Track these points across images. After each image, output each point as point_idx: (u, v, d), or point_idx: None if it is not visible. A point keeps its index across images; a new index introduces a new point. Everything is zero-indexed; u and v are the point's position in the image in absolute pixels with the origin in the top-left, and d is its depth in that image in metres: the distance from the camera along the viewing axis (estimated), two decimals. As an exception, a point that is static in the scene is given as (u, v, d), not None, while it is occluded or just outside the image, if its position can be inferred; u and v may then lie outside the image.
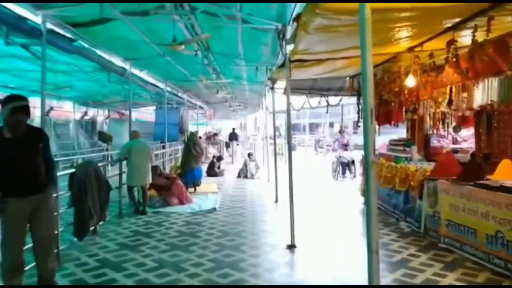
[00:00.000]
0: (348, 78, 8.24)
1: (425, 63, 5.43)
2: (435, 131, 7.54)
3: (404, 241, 5.76)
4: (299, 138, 32.78)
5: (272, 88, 8.89)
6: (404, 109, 7.17)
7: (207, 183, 11.69)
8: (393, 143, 8.51)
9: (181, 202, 8.35)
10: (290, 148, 5.93)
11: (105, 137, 17.61)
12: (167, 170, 11.74)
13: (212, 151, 20.20)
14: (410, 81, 5.46)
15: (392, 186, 7.07)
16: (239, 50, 7.73)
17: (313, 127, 45.95)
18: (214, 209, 7.86)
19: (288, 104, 5.73)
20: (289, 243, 5.50)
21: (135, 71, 9.67)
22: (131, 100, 13.50)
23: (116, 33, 6.30)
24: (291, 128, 6.09)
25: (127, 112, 25.39)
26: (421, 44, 5.09)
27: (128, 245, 5.58)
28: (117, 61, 8.39)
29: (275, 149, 9.66)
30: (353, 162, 12.92)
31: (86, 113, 19.22)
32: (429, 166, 6.59)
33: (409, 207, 6.58)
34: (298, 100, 9.98)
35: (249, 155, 13.66)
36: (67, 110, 18.40)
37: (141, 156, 7.36)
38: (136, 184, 7.51)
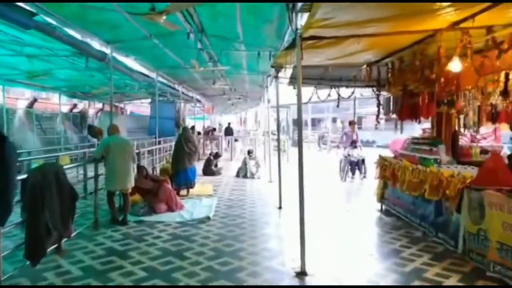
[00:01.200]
0: (365, 66, 7.05)
1: (477, 41, 4.24)
2: (472, 129, 6.36)
3: (441, 265, 4.62)
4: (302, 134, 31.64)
5: (276, 77, 7.72)
6: (436, 102, 5.97)
7: (202, 184, 10.55)
8: (416, 142, 7.34)
9: (170, 209, 7.20)
10: (301, 149, 4.73)
11: (95, 132, 16.42)
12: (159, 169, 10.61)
13: (213, 147, 19.09)
14: (455, 66, 4.27)
15: (420, 194, 5.92)
16: (238, 30, 6.54)
17: (315, 122, 44.67)
18: (208, 218, 6.71)
19: (299, 91, 4.58)
20: (299, 269, 4.35)
21: (120, 58, 8.50)
22: (114, 90, 12.37)
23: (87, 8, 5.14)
24: (301, 123, 4.92)
25: (122, 105, 24.30)
26: (472, 16, 3.90)
27: (96, 269, 4.44)
28: (96, 44, 7.22)
29: (278, 147, 8.51)
30: (363, 161, 11.77)
31: (75, 106, 18.05)
32: (467, 171, 5.43)
33: (442, 221, 5.43)
34: (305, 92, 8.80)
35: (249, 152, 12.50)
36: (55, 103, 17.22)
37: (120, 155, 6.19)
38: (115, 188, 6.33)
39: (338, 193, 9.85)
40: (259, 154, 17.33)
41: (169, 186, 7.40)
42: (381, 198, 7.56)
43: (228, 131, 21.93)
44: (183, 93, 16.28)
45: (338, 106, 9.52)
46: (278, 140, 8.36)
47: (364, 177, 11.61)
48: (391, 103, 7.38)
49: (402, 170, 6.55)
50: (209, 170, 12.28)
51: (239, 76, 12.34)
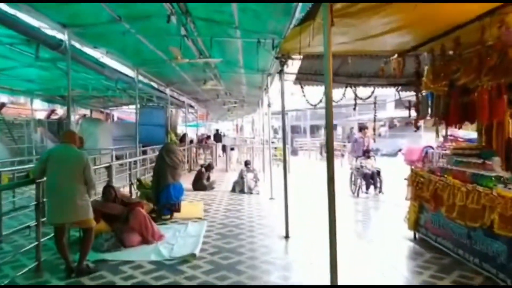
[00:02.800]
0: (395, 56, 5.48)
1: None
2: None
3: None
4: (301, 142, 29.95)
5: (281, 72, 6.12)
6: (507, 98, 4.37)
7: (191, 202, 8.91)
8: (459, 153, 5.73)
9: (145, 240, 5.56)
10: (332, 160, 3.17)
11: (74, 140, 14.76)
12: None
13: (207, 157, 17.46)
14: None
15: (481, 225, 4.32)
16: (232, 9, 4.98)
17: (314, 130, 43.16)
18: (193, 255, 5.06)
19: (328, 75, 3.06)
20: None
21: (86, 49, 6.89)
22: (94, 94, 10.81)
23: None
24: (331, 126, 3.34)
25: (108, 111, 22.66)
26: None
27: None
28: (51, 29, 5.60)
29: (284, 157, 6.87)
30: (378, 173, 10.18)
31: (53, 112, 16.39)
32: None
33: (522, 266, 3.84)
34: (314, 92, 7.24)
35: (247, 164, 10.87)
36: (29, 108, 15.53)
37: (63, 172, 4.36)
38: (55, 221, 4.43)
39: (353, 213, 8.23)
40: (257, 165, 15.75)
41: (142, 210, 5.74)
42: (415, 224, 5.94)
43: (217, 138, 20.40)
44: (172, 97, 14.70)
45: (355, 109, 7.93)
46: (284, 149, 6.73)
47: (380, 191, 10.01)
48: (429, 104, 5.78)
49: (450, 190, 4.94)
50: (200, 184, 10.64)
51: (234, 76, 10.77)
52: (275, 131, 41.84)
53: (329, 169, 3.10)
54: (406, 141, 26.58)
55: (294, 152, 25.32)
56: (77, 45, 6.88)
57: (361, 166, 10.28)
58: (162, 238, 5.77)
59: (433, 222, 5.46)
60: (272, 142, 26.09)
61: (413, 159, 12.35)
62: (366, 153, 10.53)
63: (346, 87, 7.12)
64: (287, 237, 6.06)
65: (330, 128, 3.14)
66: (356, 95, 7.25)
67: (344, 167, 17.91)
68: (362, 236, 6.39)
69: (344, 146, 22.16)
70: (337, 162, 19.76)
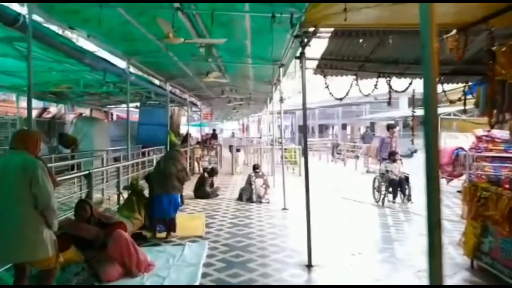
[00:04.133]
0: (453, 32, 4.17)
1: None
2: None
3: None
4: (310, 142, 28.55)
5: (301, 57, 4.82)
6: None
7: (190, 214, 7.66)
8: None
9: (127, 272, 4.31)
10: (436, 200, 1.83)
11: (67, 141, 13.59)
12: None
13: (211, 158, 16.19)
14: None
15: None
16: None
17: (322, 129, 41.76)
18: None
19: (430, 42, 1.72)
20: None
21: (69, 33, 5.65)
22: (83, 90, 9.62)
23: None
24: (437, 133, 2.01)
25: (106, 109, 21.47)
26: None
27: None
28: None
29: (306, 159, 5.56)
30: (407, 179, 8.84)
31: (44, 110, 15.21)
32: None
33: None
34: (340, 83, 5.97)
35: (255, 168, 9.56)
36: (22, 106, 14.36)
37: (3, 193, 3.10)
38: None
39: (383, 228, 6.91)
40: (265, 168, 14.45)
41: (125, 234, 4.46)
42: (475, 251, 4.62)
43: (213, 137, 19.29)
44: (173, 93, 13.48)
45: (389, 103, 6.61)
46: (305, 151, 5.42)
47: (409, 200, 8.67)
48: (498, 97, 4.44)
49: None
50: (202, 191, 9.37)
51: (240, 69, 9.50)
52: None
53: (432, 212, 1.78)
54: (422, 142, 25.02)
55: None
56: (54, 28, 5.67)
57: (387, 171, 8.96)
58: (150, 268, 4.51)
59: (505, 251, 4.14)
60: (280, 143, 24.89)
61: (441, 162, 10.97)
62: (392, 156, 9.20)
63: (379, 76, 5.80)
64: (310, 266, 4.75)
65: (433, 140, 1.86)
66: (390, 87, 5.92)
67: (359, 169, 16.59)
68: (403, 261, 5.08)
69: (356, 147, 20.80)
70: (351, 164, 18.48)
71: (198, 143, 18.97)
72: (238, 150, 15.02)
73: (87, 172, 5.54)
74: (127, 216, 5.92)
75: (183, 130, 21.60)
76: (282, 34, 5.79)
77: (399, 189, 8.70)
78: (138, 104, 18.60)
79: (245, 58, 8.07)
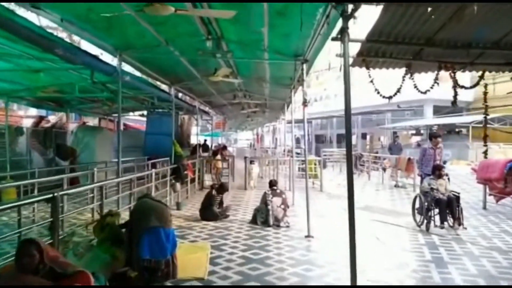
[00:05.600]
0: None
1: None
2: None
3: None
4: (328, 152, 26.82)
5: (342, 35, 3.39)
6: None
7: (193, 244, 6.22)
8: None
9: None
10: None
11: (65, 152, 12.41)
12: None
13: (223, 171, 14.77)
14: None
15: None
16: None
17: (340, 139, 39.99)
18: None
19: None
20: None
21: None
22: (78, 95, 8.50)
23: None
24: None
25: (124, 120, 20.38)
26: None
27: None
28: None
29: (350, 172, 4.06)
30: (457, 199, 7.27)
31: (42, 119, 14.08)
32: None
33: None
34: (390, 76, 4.53)
35: (272, 185, 8.08)
36: (19, 115, 13.31)
37: None
38: None
39: (441, 267, 5.34)
40: (281, 182, 12.96)
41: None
42: None
43: (204, 149, 17.96)
44: (180, 99, 12.21)
45: (454, 104, 5.09)
46: (349, 162, 3.91)
47: (460, 224, 7.08)
48: None
49: None
50: (209, 212, 7.94)
51: (255, 67, 8.12)
52: (297, 141, 38.99)
53: None
54: (450, 152, 23.36)
55: (323, 164, 22.34)
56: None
57: (431, 189, 7.40)
58: None
59: None
60: (298, 153, 23.26)
61: (490, 177, 9.34)
62: (437, 171, 7.64)
63: (440, 68, 4.32)
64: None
65: None
66: (456, 82, 4.44)
67: (386, 183, 14.95)
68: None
69: (377, 157, 19.12)
70: (376, 177, 16.84)
71: (214, 153, 17.65)
72: (252, 162, 13.59)
73: (50, 195, 4.19)
74: (106, 252, 4.56)
75: (195, 140, 20.35)
76: (308, 18, 4.41)
77: (447, 211, 7.13)
78: (144, 112, 17.47)
79: (261, 52, 6.69)
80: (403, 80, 4.42)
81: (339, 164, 22.10)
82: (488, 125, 23.22)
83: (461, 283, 4.70)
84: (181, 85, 9.88)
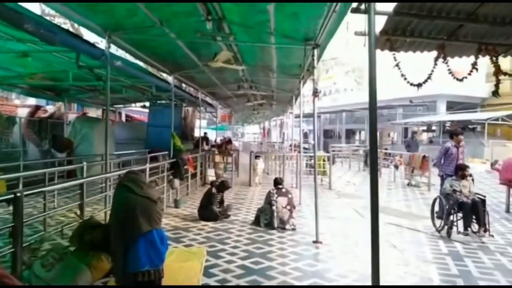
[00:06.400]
0: None
1: None
2: None
3: None
4: (337, 148, 25.94)
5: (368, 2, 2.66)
6: None
7: (187, 249, 5.57)
8: None
9: None
10: None
11: (62, 144, 11.83)
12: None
13: (227, 166, 14.14)
14: None
15: None
16: None
17: (349, 134, 39.18)
18: None
19: None
20: None
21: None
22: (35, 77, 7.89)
23: None
24: None
25: (121, 111, 19.79)
26: None
27: None
28: None
29: (374, 174, 3.36)
30: (483, 203, 6.53)
31: (38, 108, 13.51)
32: None
33: None
34: (419, 61, 3.82)
35: (277, 183, 7.37)
36: (15, 104, 12.76)
37: None
38: None
39: (469, 281, 4.64)
40: (288, 179, 12.29)
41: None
42: None
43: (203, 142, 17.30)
44: (182, 89, 11.55)
45: (497, 94, 4.35)
46: (373, 162, 3.19)
47: (486, 231, 6.35)
48: None
49: None
50: (209, 211, 7.29)
51: (261, 55, 7.41)
52: (305, 136, 38.16)
53: None
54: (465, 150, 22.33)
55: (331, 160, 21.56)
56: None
57: (454, 191, 6.66)
58: None
59: None
60: (306, 149, 22.49)
61: (508, 178, 8.57)
62: (460, 171, 6.89)
63: (479, 50, 3.59)
64: None
65: None
66: (498, 69, 3.69)
67: (398, 181, 14.19)
68: None
69: (388, 154, 18.31)
70: (387, 175, 16.08)
71: (213, 146, 17.00)
72: (257, 157, 12.91)
73: (11, 196, 3.54)
74: (82, 260, 3.93)
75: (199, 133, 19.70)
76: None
77: (474, 216, 6.39)
78: (147, 103, 16.86)
79: (267, 36, 5.97)
80: (435, 64, 3.69)
81: (348, 160, 21.34)
82: (504, 122, 22.29)
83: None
84: (182, 73, 9.19)
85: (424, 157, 12.90)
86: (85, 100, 15.17)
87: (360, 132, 39.59)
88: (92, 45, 5.66)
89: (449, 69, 3.74)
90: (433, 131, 29.34)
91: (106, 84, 5.71)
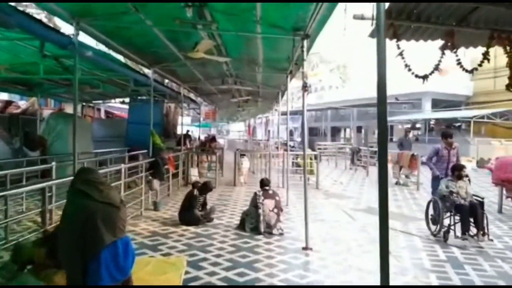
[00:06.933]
0: None
1: None
2: None
3: None
4: (323, 146, 25.55)
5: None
6: None
7: (165, 259, 5.04)
8: None
9: None
10: None
11: (33, 141, 11.11)
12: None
13: (211, 165, 13.62)
14: None
15: None
16: None
17: (335, 132, 38.95)
18: None
19: None
20: None
21: None
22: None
23: None
24: None
25: (101, 107, 19.00)
26: None
27: None
28: None
29: (383, 183, 3.40)
30: (481, 205, 6.18)
31: (9, 103, 12.72)
32: None
33: None
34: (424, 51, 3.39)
35: (264, 184, 6.88)
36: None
37: None
38: None
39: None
40: (274, 179, 11.86)
41: None
42: None
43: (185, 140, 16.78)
44: (159, 83, 10.98)
45: (510, 88, 3.93)
46: (382, 168, 2.71)
47: (485, 235, 5.99)
48: None
49: None
50: (190, 214, 6.77)
51: (246, 47, 6.90)
52: (290, 133, 37.80)
53: None
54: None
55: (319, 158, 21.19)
56: None
57: (451, 193, 6.29)
58: None
59: None
60: (292, 147, 22.10)
61: (509, 177, 8.29)
62: (456, 171, 6.53)
63: (492, 38, 3.17)
64: None
65: None
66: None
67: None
68: None
69: (375, 152, 18.00)
70: (374, 173, 15.78)
71: (203, 145, 16.43)
72: (242, 155, 12.42)
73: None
74: (39, 276, 3.38)
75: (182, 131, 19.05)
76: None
77: (473, 219, 6.03)
78: (127, 99, 16.17)
79: (253, 25, 5.47)
80: (443, 54, 3.27)
81: (334, 158, 21.03)
82: (489, 120, 22.28)
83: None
84: (161, 67, 8.61)
85: (412, 155, 12.62)
86: (62, 96, 14.43)
87: (345, 130, 39.43)
88: (58, 31, 5.07)
89: (458, 60, 3.31)
90: (418, 129, 29.31)
91: (74, 76, 5.11)
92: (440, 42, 3.46)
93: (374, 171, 16.22)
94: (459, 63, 3.35)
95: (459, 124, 25.58)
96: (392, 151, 15.48)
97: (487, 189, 11.70)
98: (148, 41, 6.55)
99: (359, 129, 34.47)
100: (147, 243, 5.66)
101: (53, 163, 6.70)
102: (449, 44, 3.27)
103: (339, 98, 33.01)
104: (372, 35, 3.47)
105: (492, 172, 9.01)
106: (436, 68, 3.43)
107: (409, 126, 30.68)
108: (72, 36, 5.07)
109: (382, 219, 2.50)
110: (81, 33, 5.22)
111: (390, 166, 14.70)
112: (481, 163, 18.87)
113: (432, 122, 27.07)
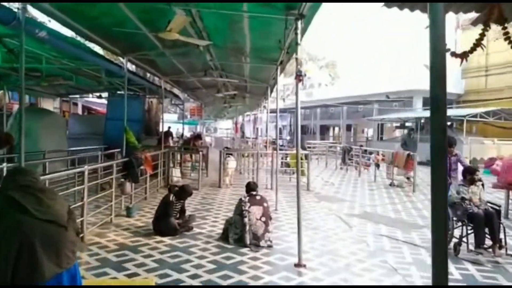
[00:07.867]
0: None
1: None
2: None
3: None
4: (312, 144, 24.74)
5: None
6: None
7: (131, 282, 4.16)
8: None
9: None
10: None
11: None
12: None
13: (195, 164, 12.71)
14: None
15: None
16: None
17: (324, 130, 38.31)
18: None
19: None
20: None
21: None
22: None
23: None
24: None
25: (78, 102, 17.89)
26: None
27: None
28: None
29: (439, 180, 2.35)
30: (498, 214, 5.44)
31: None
32: None
33: None
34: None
35: (251, 189, 6.01)
36: None
37: None
38: None
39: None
40: (262, 180, 11.06)
41: None
42: None
43: (166, 137, 15.88)
44: (136, 75, 10.08)
45: None
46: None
47: (501, 248, 5.25)
48: None
49: None
50: (165, 223, 5.88)
51: (231, 31, 6.02)
52: (280, 131, 36.99)
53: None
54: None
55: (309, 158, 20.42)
56: None
57: (463, 199, 5.54)
58: None
59: None
60: (280, 145, 21.27)
61: (508, 179, 7.62)
62: (469, 174, 5.78)
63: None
64: None
65: None
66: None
67: (379, 181, 13.18)
68: None
69: (365, 151, 17.30)
70: (366, 173, 15.11)
71: (186, 143, 15.48)
72: (229, 155, 11.56)
73: None
74: None
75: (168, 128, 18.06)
76: None
77: (489, 230, 5.29)
78: (105, 94, 15.12)
79: (238, 3, 4.60)
80: (487, 27, 2.50)
81: (324, 157, 20.28)
82: (481, 119, 21.80)
83: None
84: (137, 55, 7.68)
85: (408, 155, 11.92)
86: (34, 89, 13.34)
87: (334, 128, 38.86)
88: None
89: (507, 33, 2.52)
90: (407, 127, 28.83)
91: (19, 59, 4.20)
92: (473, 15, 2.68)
93: (365, 171, 15.54)
94: (507, 38, 2.58)
95: (450, 123, 25.11)
96: (386, 150, 14.85)
97: (486, 191, 11.06)
98: (117, 22, 5.63)
99: (348, 127, 33.85)
100: (111, 260, 4.77)
101: (4, 164, 5.75)
102: (491, 16, 2.49)
103: (328, 95, 32.31)
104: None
105: (498, 174, 8.32)
106: (478, 44, 2.66)
107: (394, 124, 30.29)
108: (17, 10, 4.14)
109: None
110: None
111: (384, 166, 14.06)
112: (474, 163, 18.38)
113: (423, 120, 26.56)
